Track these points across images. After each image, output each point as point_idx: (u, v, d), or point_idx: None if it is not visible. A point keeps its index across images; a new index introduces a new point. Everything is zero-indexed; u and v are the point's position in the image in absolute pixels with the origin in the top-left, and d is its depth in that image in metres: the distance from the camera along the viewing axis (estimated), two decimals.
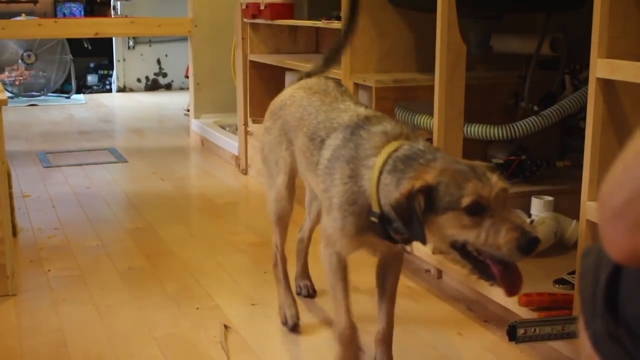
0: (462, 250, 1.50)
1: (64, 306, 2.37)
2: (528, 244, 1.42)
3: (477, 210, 1.46)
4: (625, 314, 0.75)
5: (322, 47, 4.21)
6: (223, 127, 4.84)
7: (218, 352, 2.06)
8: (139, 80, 7.82)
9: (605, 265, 0.78)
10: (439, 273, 2.55)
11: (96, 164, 4.44)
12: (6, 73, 7.04)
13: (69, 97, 7.26)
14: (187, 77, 5.79)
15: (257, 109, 4.14)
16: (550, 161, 2.80)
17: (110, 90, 7.83)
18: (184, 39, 6.31)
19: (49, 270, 2.69)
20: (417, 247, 1.82)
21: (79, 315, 2.30)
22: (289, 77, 3.92)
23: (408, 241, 1.65)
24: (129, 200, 3.66)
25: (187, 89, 5.94)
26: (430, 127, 2.52)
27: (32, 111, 6.59)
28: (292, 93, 2.06)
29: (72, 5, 8.18)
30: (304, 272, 2.44)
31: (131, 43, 7.69)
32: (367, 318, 2.05)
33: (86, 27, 5.13)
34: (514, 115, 2.79)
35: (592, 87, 1.79)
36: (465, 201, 1.45)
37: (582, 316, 0.81)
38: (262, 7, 3.78)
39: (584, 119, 1.90)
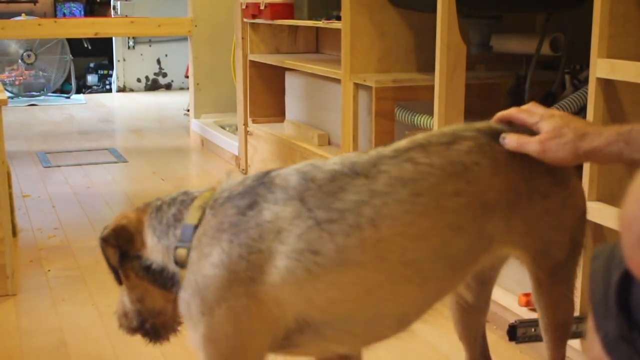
0: None
1: (63, 306, 2.37)
2: None
3: None
4: (638, 317, 0.75)
5: (322, 47, 4.20)
6: (223, 127, 4.84)
7: None
8: (138, 80, 7.82)
9: (617, 268, 0.78)
10: None
11: (96, 164, 4.44)
12: (6, 73, 7.04)
13: (69, 97, 7.26)
14: (187, 77, 5.79)
15: (257, 109, 4.15)
16: None
17: (110, 90, 7.83)
18: (184, 39, 6.30)
19: (49, 270, 2.68)
20: None
21: (79, 315, 2.30)
22: (288, 77, 3.92)
23: None
24: (129, 200, 3.65)
25: (187, 89, 5.94)
26: (430, 127, 2.52)
27: (32, 111, 6.59)
28: None
29: (72, 5, 8.18)
30: None
31: (131, 43, 7.69)
32: None
33: (86, 27, 5.13)
34: None
35: (592, 87, 1.78)
36: None
37: (593, 318, 0.81)
38: (262, 7, 3.78)
39: (584, 119, 1.90)
